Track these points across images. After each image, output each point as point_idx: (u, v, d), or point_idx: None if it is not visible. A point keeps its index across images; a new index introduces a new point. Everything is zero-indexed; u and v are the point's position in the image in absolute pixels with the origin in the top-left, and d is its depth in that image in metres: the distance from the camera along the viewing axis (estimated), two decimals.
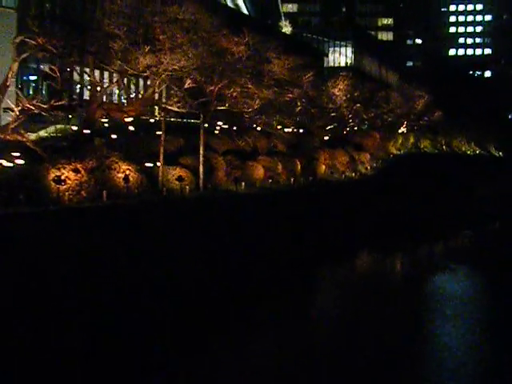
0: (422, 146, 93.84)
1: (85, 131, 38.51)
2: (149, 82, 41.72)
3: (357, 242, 47.51)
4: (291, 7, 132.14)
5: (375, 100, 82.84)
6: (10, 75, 31.85)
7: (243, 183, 43.17)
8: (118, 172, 31.75)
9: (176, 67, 41.13)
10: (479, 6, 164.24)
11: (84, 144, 35.53)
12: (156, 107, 47.05)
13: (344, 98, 76.50)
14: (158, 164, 36.99)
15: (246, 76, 55.40)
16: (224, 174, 43.06)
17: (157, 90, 42.96)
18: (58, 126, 41.10)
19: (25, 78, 47.45)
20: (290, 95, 61.26)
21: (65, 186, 28.26)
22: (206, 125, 52.95)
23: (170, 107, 39.68)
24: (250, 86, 55.73)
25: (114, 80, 40.59)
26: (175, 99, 39.74)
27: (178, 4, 40.05)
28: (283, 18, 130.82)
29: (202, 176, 38.03)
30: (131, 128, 42.02)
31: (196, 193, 36.67)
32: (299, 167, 55.27)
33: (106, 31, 36.92)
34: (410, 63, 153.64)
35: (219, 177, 42.27)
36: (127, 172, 32.09)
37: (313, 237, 41.38)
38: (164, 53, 38.90)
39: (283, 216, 40.05)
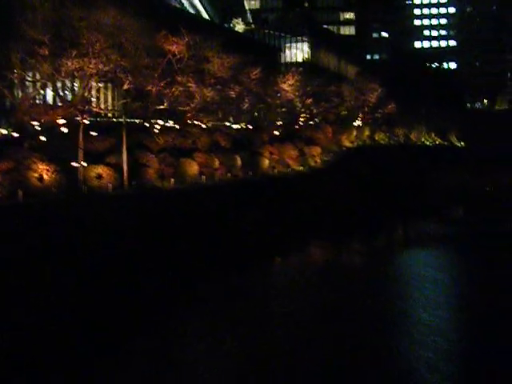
0: (377, 139, 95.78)
1: (14, 134, 40.09)
2: (77, 85, 43.12)
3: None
4: (254, 4, 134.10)
5: (326, 94, 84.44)
6: None
7: (172, 180, 44.86)
8: (34, 172, 33.50)
9: (104, 70, 42.96)
10: None
11: (12, 147, 37.11)
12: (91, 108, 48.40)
13: (295, 93, 78.47)
14: (84, 163, 38.81)
15: (187, 75, 57.35)
16: (154, 171, 44.73)
17: (88, 93, 44.40)
18: None
19: None
20: (232, 93, 62.90)
21: None
22: (147, 124, 55.09)
23: (94, 109, 41.12)
24: (190, 84, 57.72)
25: (40, 84, 41.95)
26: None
27: (102, 9, 41.55)
28: (249, 15, 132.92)
29: (125, 174, 39.71)
30: (65, 130, 43.51)
31: (117, 190, 38.33)
32: (239, 162, 57.07)
33: (30, 38, 38.43)
34: (376, 56, 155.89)
35: (149, 174, 43.95)
36: (42, 172, 33.79)
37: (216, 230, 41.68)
38: (89, 57, 40.60)
39: (190, 210, 40.96)
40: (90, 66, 40.64)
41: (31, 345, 23.58)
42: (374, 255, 47.02)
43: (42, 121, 42.26)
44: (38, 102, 43.24)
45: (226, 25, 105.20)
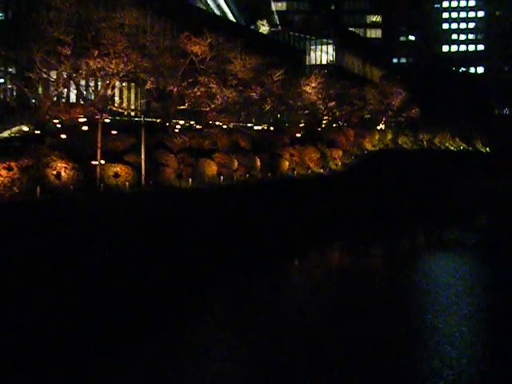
0: (400, 143, 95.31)
1: (36, 132, 40.92)
2: (100, 84, 43.87)
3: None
4: (280, 5, 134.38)
5: (350, 97, 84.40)
6: None
7: (190, 179, 45.26)
8: (52, 169, 34.14)
9: (125, 70, 43.56)
10: (472, 2, 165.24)
11: (34, 144, 37.83)
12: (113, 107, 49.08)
13: (318, 95, 78.55)
14: (102, 162, 39.38)
15: (209, 76, 57.83)
16: (173, 171, 45.14)
17: (110, 92, 45.10)
18: (16, 128, 43.70)
19: None
20: (254, 94, 63.22)
21: None
22: (168, 124, 55.66)
23: (115, 108, 41.74)
24: (212, 85, 58.17)
25: (61, 83, 42.67)
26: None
27: (124, 10, 42.18)
28: (276, 16, 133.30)
29: (143, 173, 40.21)
30: (85, 128, 44.20)
31: (134, 189, 38.82)
32: (259, 164, 57.27)
33: (53, 38, 39.19)
34: (403, 60, 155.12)
35: (167, 173, 44.38)
36: (61, 169, 34.40)
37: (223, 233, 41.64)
38: (110, 57, 41.26)
39: (205, 209, 41.31)
40: (111, 65, 41.26)
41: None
42: (393, 260, 45.48)
43: (64, 119, 43.11)
44: (60, 100, 43.77)
45: (251, 26, 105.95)
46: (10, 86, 46.58)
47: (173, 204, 38.95)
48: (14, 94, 49.22)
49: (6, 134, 42.64)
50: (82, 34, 40.66)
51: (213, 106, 56.14)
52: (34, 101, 43.24)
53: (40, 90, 43.33)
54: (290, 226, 48.60)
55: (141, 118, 48.35)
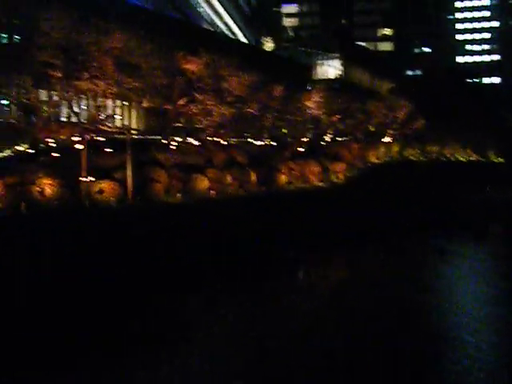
0: (407, 155, 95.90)
1: (29, 151, 42.98)
2: (88, 104, 45.84)
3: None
4: (292, 21, 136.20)
5: (354, 111, 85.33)
6: None
7: (179, 194, 46.89)
8: (37, 186, 36.09)
9: (114, 91, 45.52)
10: (486, 13, 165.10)
11: (23, 163, 39.87)
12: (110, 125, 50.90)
13: (322, 110, 79.78)
14: (92, 178, 41.31)
15: (206, 93, 59.51)
16: (163, 186, 46.84)
17: (101, 111, 47.03)
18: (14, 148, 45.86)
19: None
20: (251, 110, 64.74)
21: None
22: (164, 141, 57.44)
23: (102, 127, 43.56)
24: (209, 102, 59.87)
25: (53, 104, 44.72)
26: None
27: (111, 34, 44.07)
28: (290, 32, 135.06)
29: (130, 188, 41.94)
30: (80, 146, 46.14)
31: (121, 204, 40.57)
32: (254, 178, 58.74)
33: (42, 61, 41.27)
34: (418, 72, 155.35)
35: (157, 189, 46.08)
36: (45, 186, 36.33)
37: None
38: (100, 79, 43.21)
39: (187, 222, 42.63)
40: (101, 87, 43.18)
41: None
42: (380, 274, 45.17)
43: (57, 138, 45.15)
44: (51, 120, 45.72)
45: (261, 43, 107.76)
46: (9, 108, 48.69)
47: (150, 218, 40.37)
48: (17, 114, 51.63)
49: (5, 153, 44.86)
50: (71, 58, 42.57)
51: (207, 122, 57.78)
52: (24, 122, 45.15)
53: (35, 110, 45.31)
54: (267, 236, 48.53)
55: (134, 135, 50.27)
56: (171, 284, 35.57)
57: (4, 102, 49.31)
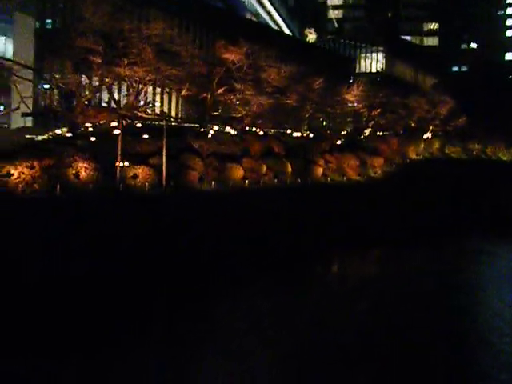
0: (447, 152, 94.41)
1: (68, 134, 43.84)
2: (129, 90, 46.39)
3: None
4: (337, 13, 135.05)
5: (396, 105, 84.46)
6: None
7: (213, 182, 47.15)
8: (73, 169, 36.74)
9: (153, 78, 45.98)
10: None
11: (61, 146, 40.61)
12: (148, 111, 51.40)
13: (362, 103, 79.21)
14: (127, 163, 41.85)
15: (245, 83, 59.67)
16: (197, 174, 47.12)
17: (140, 98, 47.56)
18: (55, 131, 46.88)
19: (39, 86, 53.36)
20: (290, 101, 64.64)
21: (17, 180, 33.59)
22: (202, 129, 57.85)
23: (139, 113, 44.05)
24: (247, 92, 60.02)
25: (92, 89, 45.38)
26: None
27: (152, 21, 44.55)
28: (335, 24, 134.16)
29: (164, 175, 42.35)
30: (117, 132, 46.78)
31: (154, 190, 41.00)
32: (289, 169, 58.60)
33: (84, 47, 41.98)
34: (464, 68, 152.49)
35: (192, 176, 46.38)
36: (81, 169, 36.96)
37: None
38: (139, 66, 43.68)
39: (217, 209, 42.84)
40: (139, 74, 43.63)
41: None
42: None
43: (97, 123, 45.94)
44: (90, 105, 46.45)
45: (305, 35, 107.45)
46: (50, 92, 49.69)
47: (182, 203, 40.62)
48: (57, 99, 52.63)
49: (45, 136, 45.85)
50: (111, 44, 43.16)
51: (246, 112, 57.95)
52: (68, 106, 46.04)
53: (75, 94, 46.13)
54: (292, 228, 48.30)
55: (171, 122, 50.76)
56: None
57: (46, 86, 50.61)
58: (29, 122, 52.85)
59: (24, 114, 50.16)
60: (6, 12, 53.99)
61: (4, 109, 51.97)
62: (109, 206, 35.38)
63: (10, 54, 55.14)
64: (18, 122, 52.22)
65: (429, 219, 64.37)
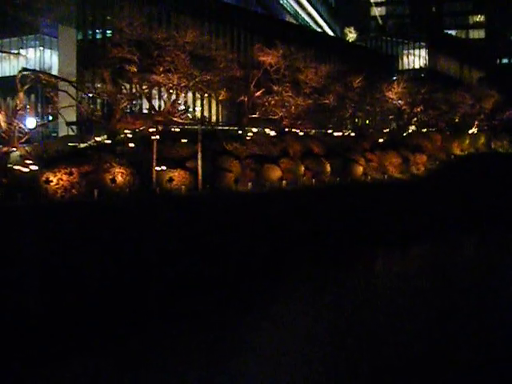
0: (494, 147, 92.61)
1: (107, 141, 45.32)
2: (166, 96, 47.60)
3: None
4: (380, 10, 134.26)
5: (439, 101, 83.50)
6: (18, 102, 39.13)
7: (249, 184, 47.84)
8: (110, 174, 38.05)
9: (188, 84, 46.95)
10: None
11: (100, 152, 42.04)
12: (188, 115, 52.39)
13: (405, 100, 78.64)
14: (164, 168, 43.01)
15: (283, 85, 60.25)
16: (234, 176, 47.91)
17: (177, 103, 48.67)
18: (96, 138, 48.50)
19: (82, 96, 55.23)
20: (328, 101, 64.85)
21: (57, 186, 35.09)
22: (240, 131, 58.68)
23: (175, 118, 45.14)
24: (285, 94, 60.55)
25: (130, 97, 46.75)
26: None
27: (184, 29, 45.60)
28: (380, 21, 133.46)
29: (200, 177, 43.31)
30: (154, 137, 48.03)
31: (190, 192, 41.98)
32: (328, 169, 58.76)
33: (119, 57, 43.38)
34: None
35: (228, 178, 47.19)
36: (117, 175, 38.24)
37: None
38: (173, 73, 44.77)
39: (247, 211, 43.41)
40: (174, 80, 44.71)
41: None
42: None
43: (135, 129, 47.32)
44: (128, 112, 47.79)
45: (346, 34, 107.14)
46: (91, 101, 51.38)
47: (215, 205, 41.36)
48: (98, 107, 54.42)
49: (87, 143, 47.47)
50: (146, 53, 44.41)
51: (282, 113, 58.48)
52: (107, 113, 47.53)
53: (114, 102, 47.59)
54: (321, 230, 47.94)
55: (208, 126, 51.74)
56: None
57: (88, 95, 52.34)
58: (74, 130, 54.86)
59: (69, 123, 52.12)
60: (51, 26, 56.11)
61: (52, 119, 54.08)
62: (140, 209, 36.47)
63: (55, 66, 57.47)
64: (64, 130, 54.27)
65: (477, 215, 63.38)
